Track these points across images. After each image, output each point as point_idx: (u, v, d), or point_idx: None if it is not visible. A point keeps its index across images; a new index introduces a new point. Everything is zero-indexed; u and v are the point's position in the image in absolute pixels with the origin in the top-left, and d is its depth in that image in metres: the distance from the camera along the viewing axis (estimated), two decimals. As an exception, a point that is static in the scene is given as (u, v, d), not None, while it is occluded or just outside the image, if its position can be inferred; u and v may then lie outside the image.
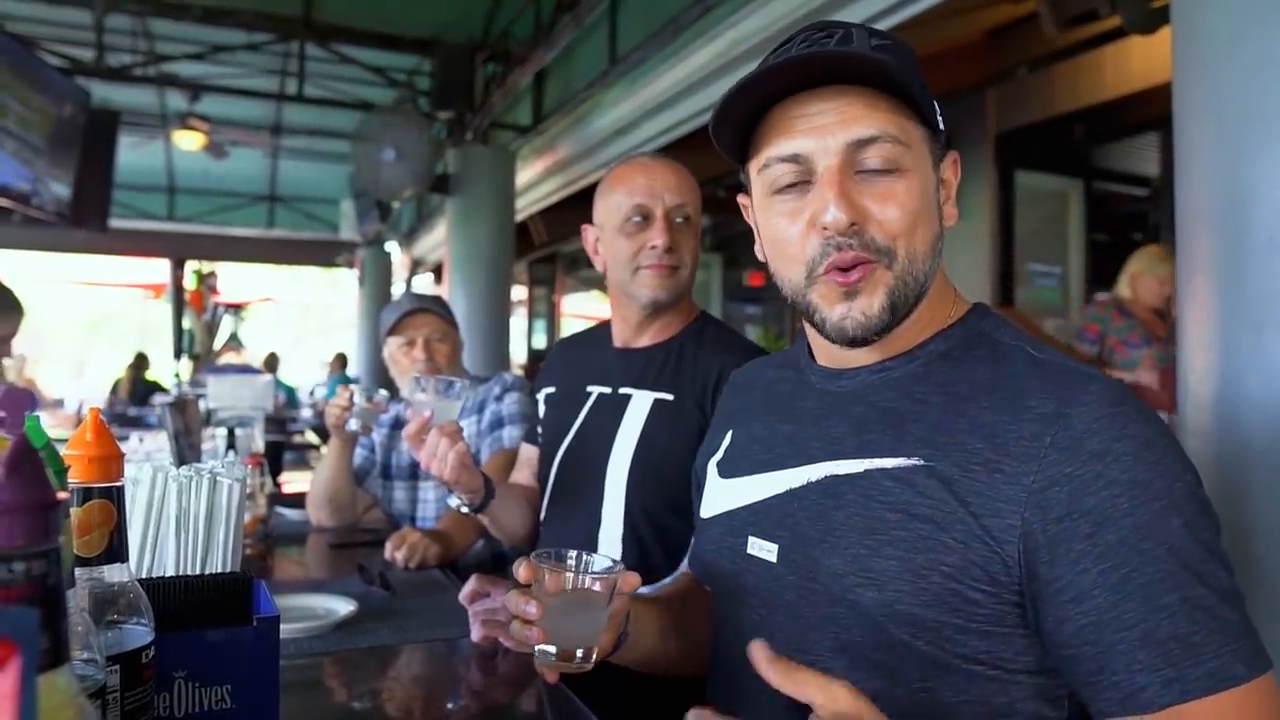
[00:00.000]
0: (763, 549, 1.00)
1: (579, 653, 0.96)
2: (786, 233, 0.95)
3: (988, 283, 6.10)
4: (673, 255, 1.62)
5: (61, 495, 0.50)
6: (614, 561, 0.99)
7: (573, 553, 1.00)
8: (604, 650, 1.04)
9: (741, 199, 1.06)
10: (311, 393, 10.84)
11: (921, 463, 0.89)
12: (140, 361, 10.16)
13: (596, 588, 0.95)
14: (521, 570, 0.97)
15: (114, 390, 9.74)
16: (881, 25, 3.39)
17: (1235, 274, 1.74)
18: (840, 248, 0.90)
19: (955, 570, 0.85)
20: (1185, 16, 1.90)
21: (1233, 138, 1.75)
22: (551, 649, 0.96)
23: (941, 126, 0.96)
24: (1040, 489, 0.82)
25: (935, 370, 0.95)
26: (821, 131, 0.90)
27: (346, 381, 10.36)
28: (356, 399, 2.16)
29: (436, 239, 8.89)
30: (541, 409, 1.85)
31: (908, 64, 0.92)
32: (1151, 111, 4.50)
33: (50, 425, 0.75)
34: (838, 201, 0.89)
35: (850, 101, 0.90)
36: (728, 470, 1.11)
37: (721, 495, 1.10)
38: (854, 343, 0.94)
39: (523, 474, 1.90)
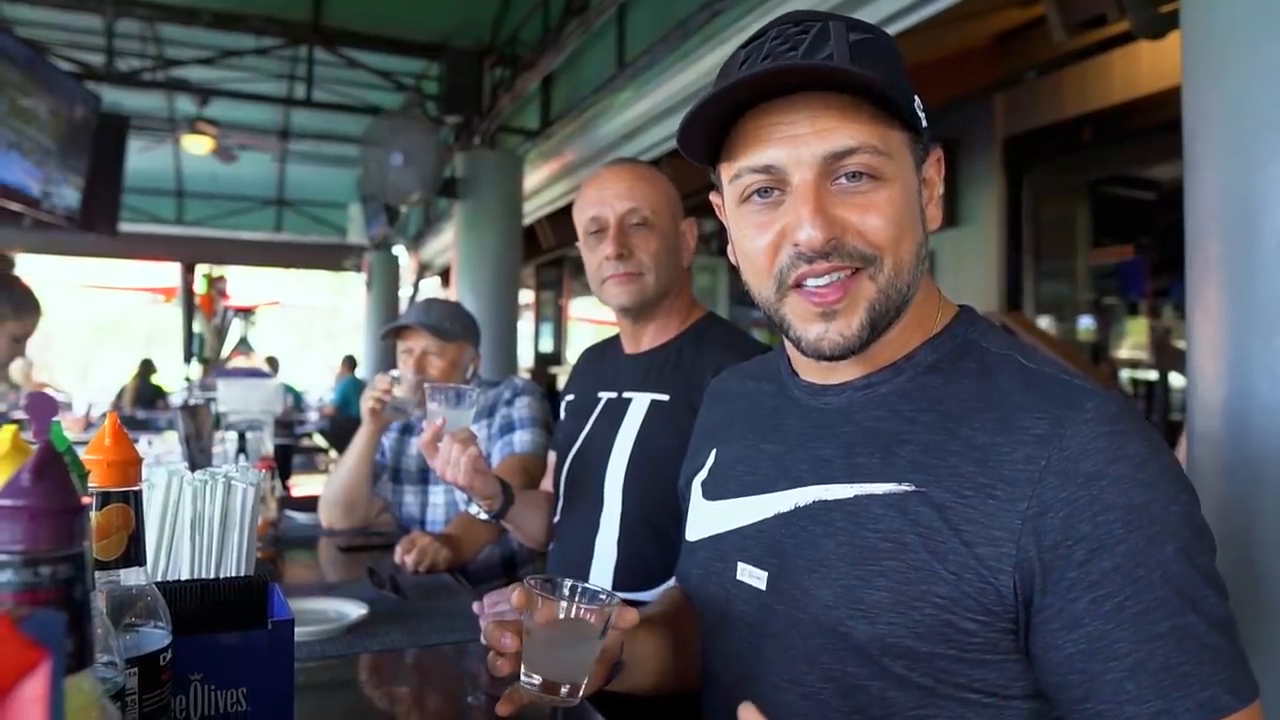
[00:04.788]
0: (752, 576, 0.97)
1: (564, 688, 0.92)
2: (756, 245, 0.91)
3: (995, 286, 6.09)
4: (627, 262, 1.61)
5: (85, 500, 0.50)
6: (609, 594, 0.94)
7: (569, 582, 0.95)
8: (596, 683, 1.00)
9: (714, 197, 1.02)
10: (320, 399, 10.88)
11: (913, 489, 0.86)
12: (146, 367, 10.21)
13: (590, 619, 0.91)
14: (515, 596, 0.93)
15: (120, 395, 9.78)
16: (889, 30, 3.38)
17: (1245, 280, 1.74)
18: (812, 260, 0.87)
19: (948, 601, 0.83)
20: (1194, 21, 1.90)
21: (1243, 143, 1.75)
22: (536, 679, 0.92)
23: (925, 124, 0.91)
24: (1035, 515, 0.80)
25: (925, 384, 0.92)
26: (796, 142, 0.86)
27: (357, 384, 10.41)
28: (397, 391, 2.19)
29: (444, 243, 8.91)
30: (562, 415, 1.86)
31: (888, 61, 0.88)
32: (1160, 116, 4.49)
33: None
34: (813, 219, 0.85)
35: (826, 109, 0.85)
36: (713, 492, 1.08)
37: (708, 518, 1.07)
38: (831, 359, 0.92)
39: (549, 479, 1.90)
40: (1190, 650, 0.77)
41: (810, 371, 1.00)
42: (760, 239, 0.91)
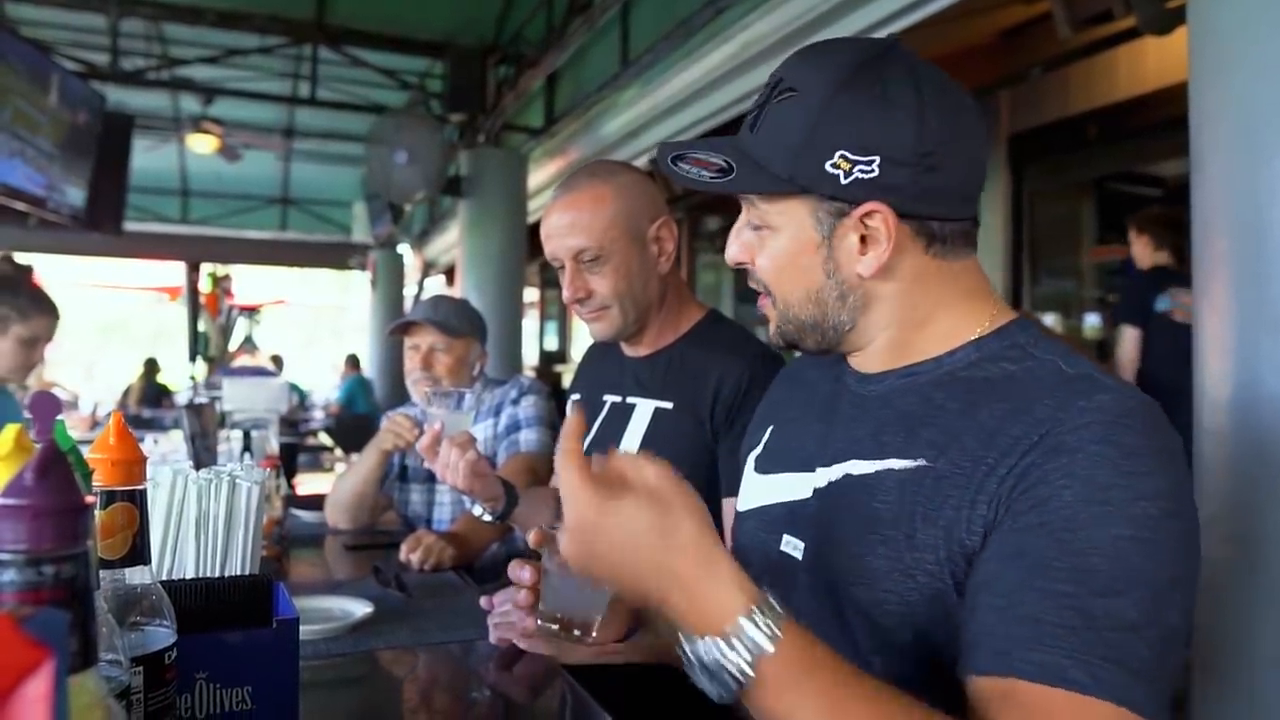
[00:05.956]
0: (794, 547, 1.03)
1: (577, 628, 0.99)
2: None
3: (999, 283, 6.08)
4: (587, 303, 1.59)
5: (89, 499, 0.50)
6: None
7: None
8: (618, 630, 1.08)
9: None
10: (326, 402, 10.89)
11: (925, 463, 0.91)
12: (151, 367, 10.24)
13: None
14: (532, 535, 1.02)
15: (125, 394, 9.81)
16: (893, 28, 3.38)
17: (1253, 275, 1.73)
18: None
19: (938, 568, 0.87)
20: (1201, 17, 1.89)
21: (1250, 138, 1.74)
22: (554, 619, 1.00)
23: (853, 178, 0.90)
24: (1013, 479, 0.83)
25: (961, 377, 0.96)
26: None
27: (362, 382, 10.42)
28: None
29: (448, 241, 8.91)
30: (569, 414, 1.85)
31: (785, 130, 0.92)
32: (1166, 112, 4.47)
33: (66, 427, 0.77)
34: (730, 240, 1.03)
35: None
36: (764, 466, 1.15)
37: (757, 490, 1.14)
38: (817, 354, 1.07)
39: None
40: (1069, 621, 0.76)
41: (856, 360, 1.05)
42: None
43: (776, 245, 0.98)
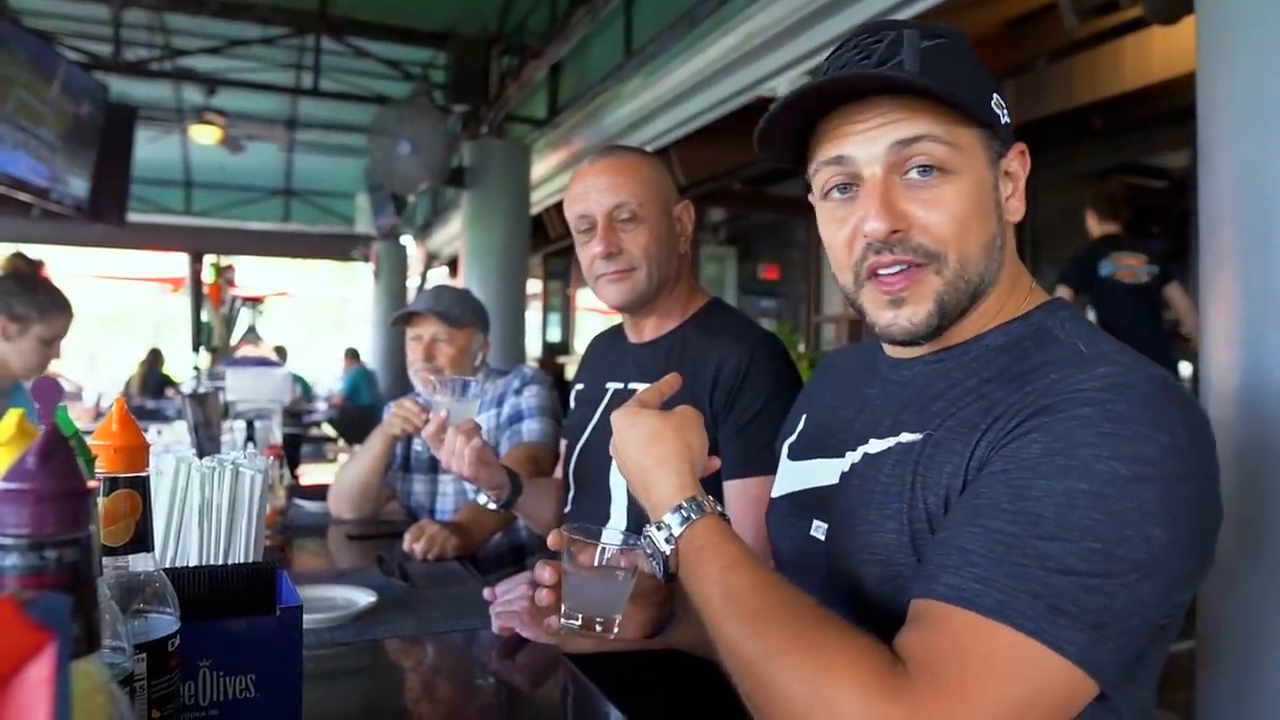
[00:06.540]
0: (820, 531, 1.05)
1: (598, 624, 1.03)
2: (834, 239, 0.98)
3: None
4: (617, 259, 1.59)
5: (91, 484, 0.50)
6: (637, 538, 1.01)
7: (602, 528, 1.06)
8: (646, 626, 1.11)
9: (811, 198, 1.07)
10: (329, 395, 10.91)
11: (930, 433, 0.92)
12: (155, 356, 10.25)
13: (619, 562, 1.01)
14: (551, 538, 1.06)
15: (128, 385, 9.82)
16: (898, 17, 3.37)
17: (1259, 266, 1.72)
18: (879, 251, 0.93)
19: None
20: (1209, 6, 1.88)
21: (1258, 129, 1.73)
22: (576, 618, 1.03)
23: (1006, 119, 0.96)
24: (1001, 441, 0.83)
25: (987, 361, 0.95)
26: (866, 137, 0.92)
27: (365, 374, 10.42)
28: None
29: (451, 232, 8.91)
30: (572, 404, 1.85)
31: (960, 64, 0.93)
32: (1172, 103, 4.46)
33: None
34: (878, 211, 0.91)
35: (896, 106, 0.91)
36: (796, 453, 1.16)
37: (789, 477, 1.15)
38: (902, 344, 0.99)
39: (561, 467, 1.90)
40: (1000, 556, 0.75)
41: (893, 348, 1.06)
42: (839, 233, 0.97)
43: (956, 191, 0.91)
